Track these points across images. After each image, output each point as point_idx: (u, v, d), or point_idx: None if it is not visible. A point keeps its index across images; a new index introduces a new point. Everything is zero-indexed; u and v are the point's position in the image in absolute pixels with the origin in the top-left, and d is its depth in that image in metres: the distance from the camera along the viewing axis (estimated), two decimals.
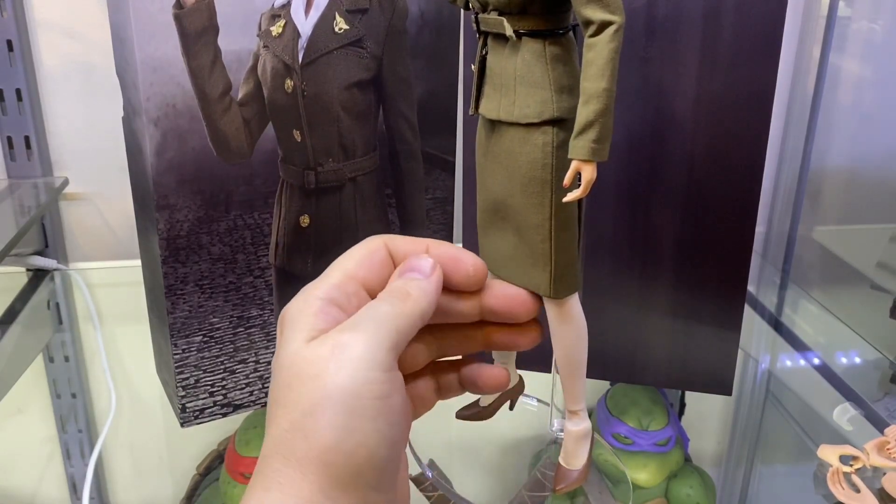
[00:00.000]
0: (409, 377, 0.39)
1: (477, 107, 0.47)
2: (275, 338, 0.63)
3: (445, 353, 0.40)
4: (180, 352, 0.60)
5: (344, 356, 0.30)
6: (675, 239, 0.62)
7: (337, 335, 0.31)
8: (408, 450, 0.43)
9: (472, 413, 0.50)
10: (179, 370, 0.60)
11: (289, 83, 0.58)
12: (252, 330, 0.63)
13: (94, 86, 0.92)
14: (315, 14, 0.58)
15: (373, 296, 0.35)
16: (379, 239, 0.36)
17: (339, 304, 0.33)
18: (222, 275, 0.60)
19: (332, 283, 0.34)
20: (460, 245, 0.67)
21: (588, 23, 0.41)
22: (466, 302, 0.38)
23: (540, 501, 0.58)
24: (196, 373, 0.61)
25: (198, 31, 0.54)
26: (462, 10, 0.55)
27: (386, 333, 0.32)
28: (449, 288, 0.37)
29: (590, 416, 0.54)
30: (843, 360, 0.84)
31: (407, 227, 0.67)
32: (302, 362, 0.31)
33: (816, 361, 0.83)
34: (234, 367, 0.63)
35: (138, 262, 0.66)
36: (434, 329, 0.38)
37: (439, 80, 0.65)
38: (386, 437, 0.30)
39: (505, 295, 0.39)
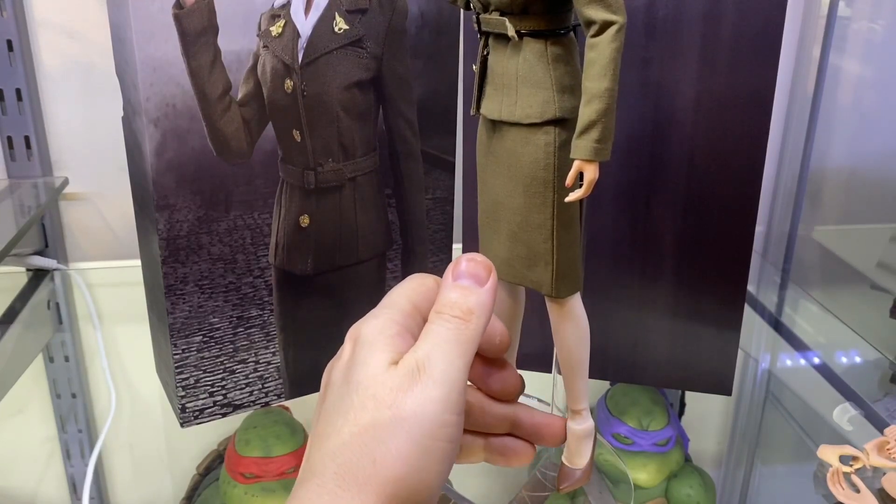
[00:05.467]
0: None
1: (478, 107, 0.47)
2: (274, 337, 0.63)
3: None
4: (180, 352, 0.60)
5: (425, 395, 0.31)
6: (675, 239, 0.62)
7: (417, 369, 0.31)
8: None
9: None
10: (179, 370, 0.60)
11: (288, 83, 0.58)
12: (252, 330, 0.63)
13: (94, 86, 0.91)
14: (315, 14, 0.58)
15: None
16: (431, 279, 0.36)
17: (412, 333, 0.34)
18: (222, 275, 0.60)
19: (404, 311, 0.34)
20: (459, 246, 0.67)
21: (590, 23, 0.41)
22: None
23: (540, 501, 0.58)
24: (196, 373, 0.61)
25: (197, 31, 0.54)
26: (462, 10, 0.55)
27: (459, 374, 0.32)
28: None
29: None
30: (843, 360, 0.84)
31: (407, 227, 0.67)
32: (380, 387, 0.31)
33: (816, 361, 0.83)
34: (234, 367, 0.63)
35: (138, 262, 0.66)
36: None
37: (439, 80, 0.65)
38: (444, 478, 0.31)
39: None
